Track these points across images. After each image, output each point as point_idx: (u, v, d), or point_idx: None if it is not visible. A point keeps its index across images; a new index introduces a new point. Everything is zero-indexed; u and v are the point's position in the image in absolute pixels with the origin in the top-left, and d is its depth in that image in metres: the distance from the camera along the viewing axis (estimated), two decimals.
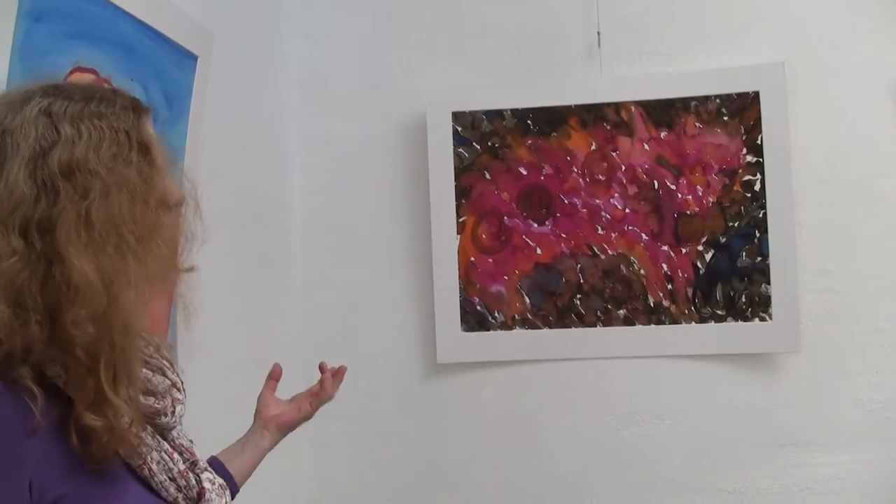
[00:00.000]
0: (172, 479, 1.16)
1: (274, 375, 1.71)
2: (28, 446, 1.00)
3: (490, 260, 2.76)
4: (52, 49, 1.56)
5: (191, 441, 1.26)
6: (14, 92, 1.12)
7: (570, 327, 2.72)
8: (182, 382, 1.26)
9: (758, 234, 2.65)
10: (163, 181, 1.16)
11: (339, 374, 1.73)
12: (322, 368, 1.72)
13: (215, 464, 1.54)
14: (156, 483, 1.14)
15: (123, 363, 1.07)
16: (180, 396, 1.23)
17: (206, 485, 1.20)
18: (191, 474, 1.19)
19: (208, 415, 2.07)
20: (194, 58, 2.10)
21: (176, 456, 1.18)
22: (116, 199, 1.08)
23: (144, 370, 1.16)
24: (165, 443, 1.18)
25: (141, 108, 1.17)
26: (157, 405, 1.16)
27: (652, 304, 2.69)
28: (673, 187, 2.70)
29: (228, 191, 2.39)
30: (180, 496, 1.17)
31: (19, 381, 1.00)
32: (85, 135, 1.07)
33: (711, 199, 2.68)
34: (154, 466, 1.14)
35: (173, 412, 1.20)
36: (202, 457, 1.27)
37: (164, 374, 1.22)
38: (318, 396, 1.70)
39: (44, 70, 1.51)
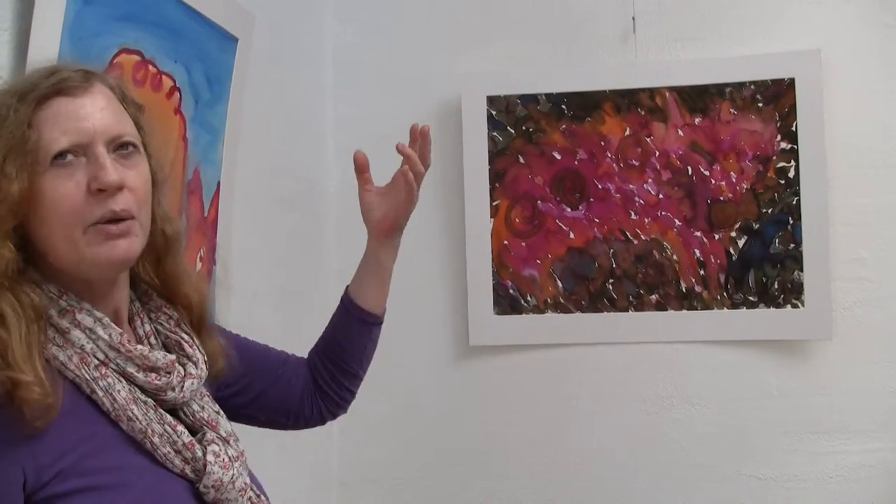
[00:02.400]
0: (178, 452, 1.17)
1: (360, 168, 1.63)
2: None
3: (523, 244, 2.77)
4: (101, 31, 1.59)
5: (217, 412, 1.27)
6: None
7: (602, 312, 2.73)
8: (203, 356, 1.28)
9: (791, 221, 2.64)
10: None
11: (423, 135, 1.60)
12: (412, 131, 1.59)
13: (346, 302, 1.63)
14: (160, 455, 1.15)
15: None
16: (195, 371, 1.24)
17: (210, 457, 1.19)
18: (197, 446, 1.19)
19: None
20: (235, 40, 2.13)
21: (180, 429, 1.18)
22: None
23: (140, 347, 1.18)
24: (169, 416, 1.18)
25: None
26: (157, 381, 1.18)
27: (684, 290, 2.70)
28: (706, 173, 2.70)
29: (266, 172, 2.42)
30: (187, 468, 1.17)
31: None
32: None
33: (745, 186, 2.68)
34: (156, 440, 1.15)
35: (181, 387, 1.21)
36: (229, 428, 1.27)
37: (182, 349, 1.25)
38: (413, 171, 1.58)
39: (91, 51, 1.54)
